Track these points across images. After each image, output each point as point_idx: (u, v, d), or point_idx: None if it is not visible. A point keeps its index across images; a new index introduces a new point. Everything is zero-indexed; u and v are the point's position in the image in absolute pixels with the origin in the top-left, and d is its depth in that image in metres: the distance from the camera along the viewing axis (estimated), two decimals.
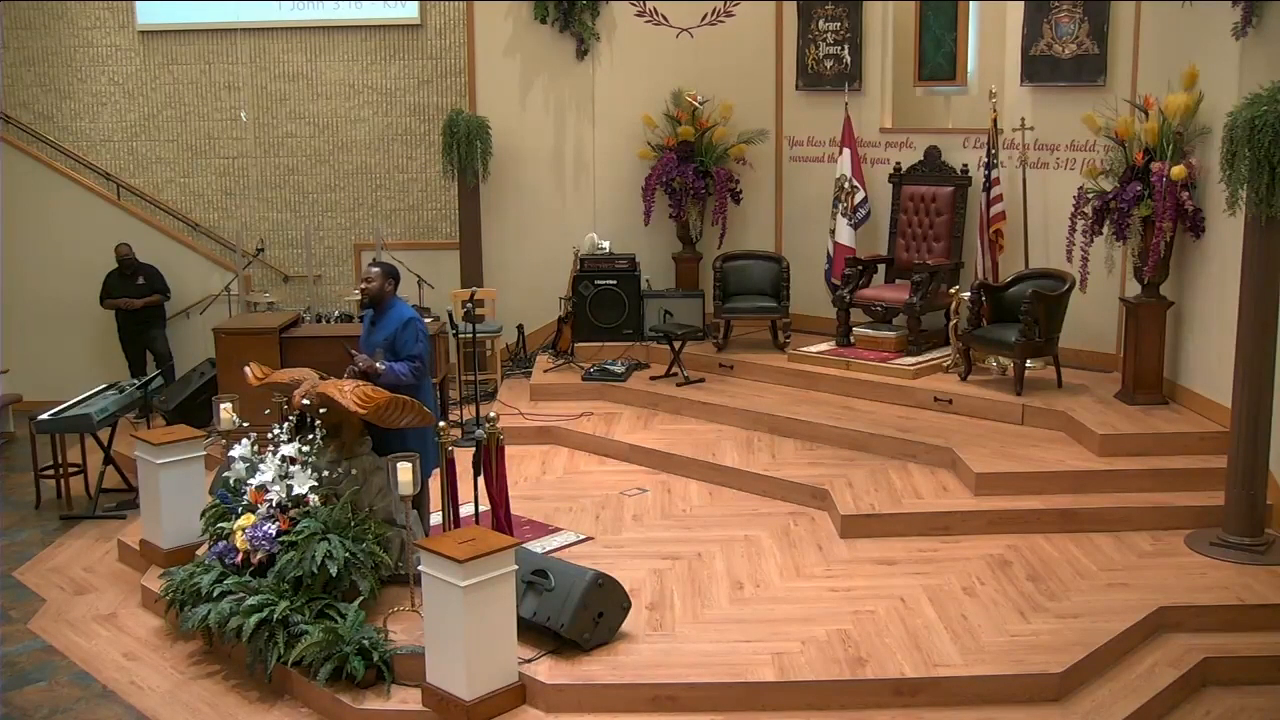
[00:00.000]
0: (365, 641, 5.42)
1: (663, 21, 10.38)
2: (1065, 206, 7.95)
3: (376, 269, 6.53)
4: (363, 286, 6.49)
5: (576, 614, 5.34)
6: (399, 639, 5.58)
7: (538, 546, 6.51)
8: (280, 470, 6.05)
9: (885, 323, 9.22)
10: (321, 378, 6.26)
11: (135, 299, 10.41)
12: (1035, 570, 6.23)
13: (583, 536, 6.87)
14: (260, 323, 9.14)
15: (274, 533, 5.87)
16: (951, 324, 8.76)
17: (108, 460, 8.34)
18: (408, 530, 5.98)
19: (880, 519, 6.82)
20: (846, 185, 9.52)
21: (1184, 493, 6.89)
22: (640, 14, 10.38)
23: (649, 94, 10.28)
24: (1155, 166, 7.32)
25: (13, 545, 7.78)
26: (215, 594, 5.85)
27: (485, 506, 6.23)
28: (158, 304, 10.56)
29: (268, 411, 6.53)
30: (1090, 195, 7.72)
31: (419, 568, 5.31)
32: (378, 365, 6.20)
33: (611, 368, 9.52)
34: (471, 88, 10.48)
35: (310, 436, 6.04)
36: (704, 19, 10.39)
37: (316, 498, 5.97)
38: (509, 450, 6.62)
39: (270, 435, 6.20)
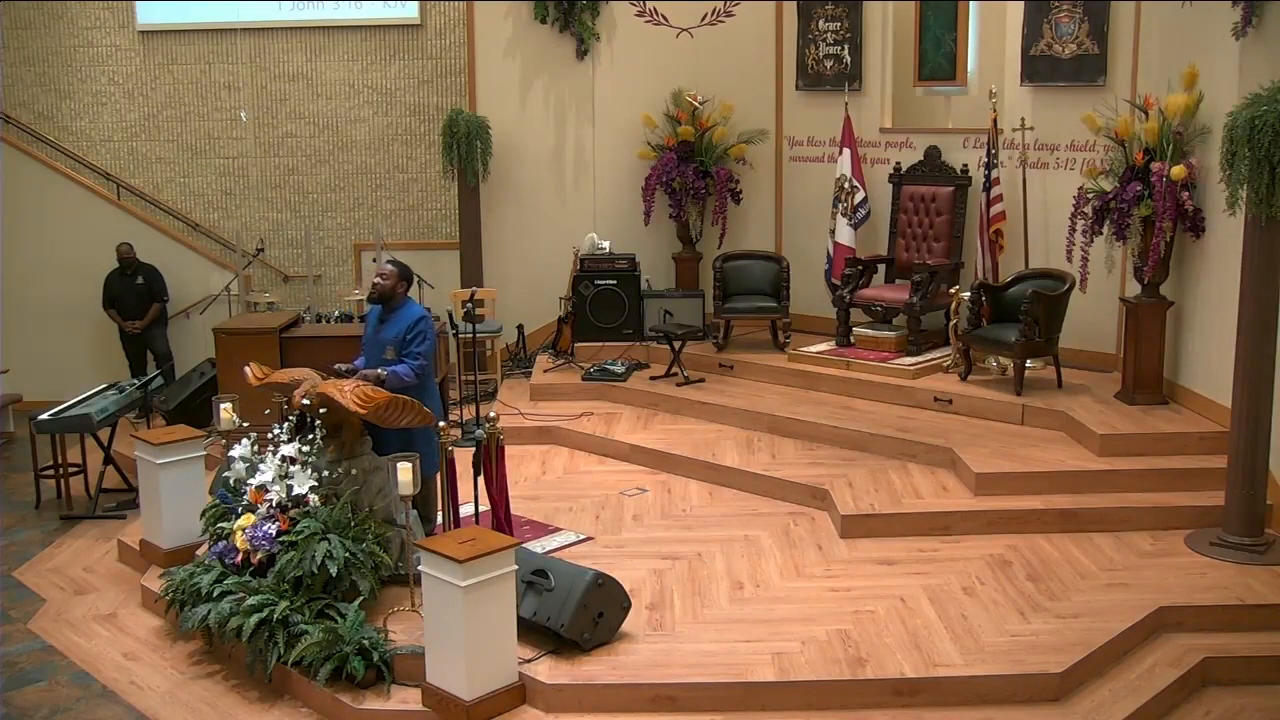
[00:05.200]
0: (365, 641, 5.42)
1: (663, 21, 10.38)
2: (1065, 206, 7.95)
3: (392, 267, 6.56)
4: (375, 281, 6.50)
5: (576, 614, 5.34)
6: (399, 639, 5.58)
7: (538, 546, 6.51)
8: (280, 470, 6.05)
9: (885, 323, 9.22)
10: (322, 378, 6.26)
11: (138, 320, 10.42)
12: (1035, 570, 6.23)
13: (583, 536, 6.87)
14: (260, 323, 9.14)
15: (274, 533, 5.87)
16: (951, 324, 8.75)
17: (108, 460, 8.35)
18: (408, 530, 5.98)
19: (880, 519, 6.82)
20: (846, 185, 9.52)
21: (1184, 493, 6.89)
22: (640, 14, 10.38)
23: (649, 94, 10.28)
24: (1155, 166, 7.32)
25: (13, 545, 7.78)
26: (215, 594, 5.85)
27: (485, 506, 6.24)
28: (158, 314, 10.58)
29: (268, 411, 6.54)
30: (1090, 195, 7.72)
31: (419, 568, 5.31)
32: (379, 373, 6.23)
33: (611, 368, 9.52)
34: (471, 88, 10.48)
35: (310, 436, 6.04)
36: (704, 19, 10.39)
37: (316, 498, 5.97)
38: (509, 450, 6.62)
39: (270, 435, 6.20)
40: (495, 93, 10.42)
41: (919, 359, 8.83)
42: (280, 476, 6.04)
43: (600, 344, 9.85)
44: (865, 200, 9.55)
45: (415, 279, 6.71)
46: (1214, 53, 7.11)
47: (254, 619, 5.58)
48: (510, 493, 6.36)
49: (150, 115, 11.30)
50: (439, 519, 6.48)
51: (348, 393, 5.89)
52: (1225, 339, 6.61)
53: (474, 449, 6.18)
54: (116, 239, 10.52)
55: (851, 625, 5.64)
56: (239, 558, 5.98)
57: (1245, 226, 6.13)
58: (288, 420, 6.20)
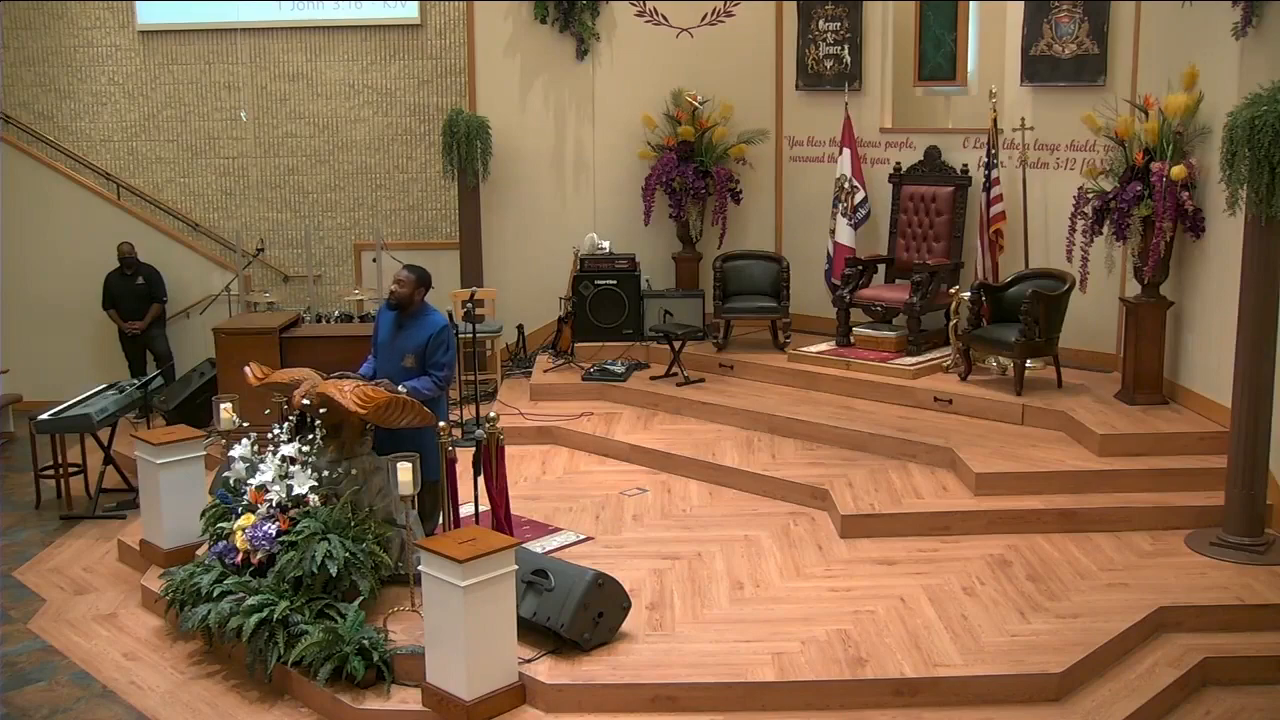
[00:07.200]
0: (365, 641, 5.42)
1: (663, 21, 10.38)
2: (1065, 206, 7.95)
3: (409, 273, 6.42)
4: (393, 289, 6.44)
5: (576, 614, 5.34)
6: (399, 639, 5.58)
7: (538, 546, 6.51)
8: (280, 470, 6.05)
9: (885, 323, 9.22)
10: (322, 377, 6.26)
11: (138, 321, 10.43)
12: (1035, 570, 6.23)
13: (583, 536, 6.87)
14: (260, 323, 9.14)
15: (274, 533, 5.87)
16: (951, 324, 8.75)
17: (108, 460, 8.35)
18: (408, 530, 5.98)
19: (880, 519, 6.82)
20: (846, 185, 9.52)
21: (1184, 493, 6.89)
22: (640, 14, 10.38)
23: (649, 94, 10.28)
24: (1155, 166, 7.32)
25: (13, 545, 7.78)
26: (215, 594, 5.85)
27: (485, 506, 6.24)
28: (158, 315, 10.59)
29: (268, 411, 6.54)
30: (1090, 195, 7.72)
31: (419, 568, 5.31)
32: (400, 389, 6.15)
33: (611, 368, 9.52)
34: (471, 88, 10.48)
35: (310, 436, 6.04)
36: (704, 19, 10.39)
37: (316, 498, 5.97)
38: (509, 450, 6.63)
39: (270, 435, 6.20)
40: (495, 93, 10.42)
41: (919, 359, 8.83)
42: (280, 476, 6.03)
43: (600, 344, 9.85)
44: (865, 200, 9.55)
45: (431, 284, 6.56)
46: (1214, 53, 7.10)
47: (254, 619, 5.58)
48: (510, 493, 6.36)
49: (150, 115, 11.30)
50: (439, 518, 6.48)
51: (348, 392, 5.89)
52: (1225, 339, 6.61)
53: (474, 449, 6.17)
54: (116, 239, 10.53)
55: (851, 625, 5.64)
56: (239, 558, 5.98)
57: (1245, 226, 6.13)
58: (288, 420, 6.20)
